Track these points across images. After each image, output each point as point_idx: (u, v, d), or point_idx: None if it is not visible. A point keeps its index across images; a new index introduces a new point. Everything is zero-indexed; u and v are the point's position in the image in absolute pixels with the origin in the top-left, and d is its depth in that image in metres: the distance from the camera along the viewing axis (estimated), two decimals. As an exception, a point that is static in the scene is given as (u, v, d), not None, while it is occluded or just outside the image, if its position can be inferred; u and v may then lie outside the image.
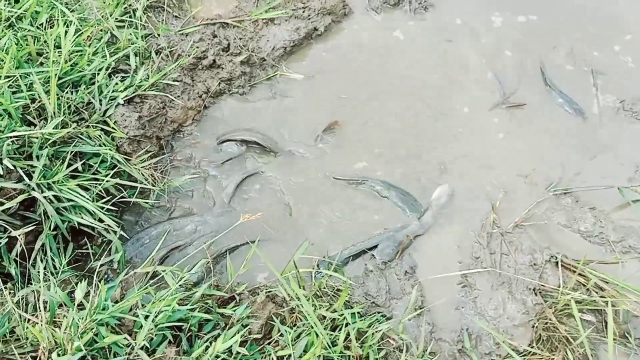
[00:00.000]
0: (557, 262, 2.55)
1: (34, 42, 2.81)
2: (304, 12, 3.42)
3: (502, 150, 3.02)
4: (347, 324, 2.22)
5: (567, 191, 2.85)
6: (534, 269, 2.56)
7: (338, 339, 2.17)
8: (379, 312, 2.44)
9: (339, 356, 2.13)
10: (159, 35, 3.21)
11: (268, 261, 2.26)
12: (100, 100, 2.78)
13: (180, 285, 2.29)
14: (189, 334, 2.19)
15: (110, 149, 2.63)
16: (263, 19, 3.36)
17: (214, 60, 3.14)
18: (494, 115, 3.17)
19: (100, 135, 2.68)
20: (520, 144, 3.05)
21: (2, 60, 2.64)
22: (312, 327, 2.16)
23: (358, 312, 2.32)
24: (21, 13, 2.89)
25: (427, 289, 2.54)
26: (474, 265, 2.60)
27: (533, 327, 2.39)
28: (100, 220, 2.45)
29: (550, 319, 2.36)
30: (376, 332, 2.23)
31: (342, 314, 2.23)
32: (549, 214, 2.78)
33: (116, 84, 2.87)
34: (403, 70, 3.35)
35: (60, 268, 2.32)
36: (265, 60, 3.28)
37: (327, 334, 2.14)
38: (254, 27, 3.34)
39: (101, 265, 2.43)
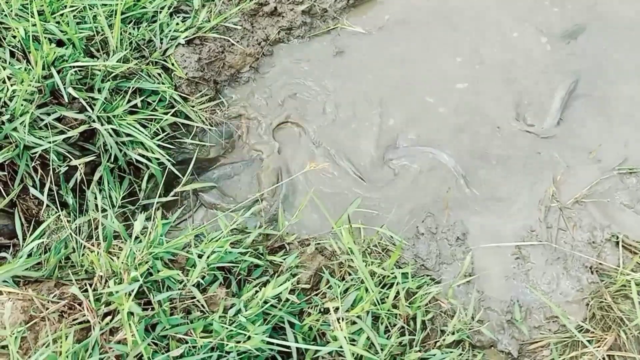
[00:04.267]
0: (617, 242, 2.46)
1: (99, -25, 2.78)
2: (370, -36, 3.30)
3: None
4: (396, 283, 2.18)
5: (633, 171, 2.71)
6: (592, 246, 2.47)
7: (387, 297, 2.15)
8: (427, 275, 2.40)
9: (387, 313, 2.11)
10: (220, -22, 3.14)
11: (325, 211, 2.22)
12: (161, 39, 2.75)
13: (232, 229, 2.29)
14: (238, 278, 2.20)
15: (169, 88, 2.62)
16: (328, -32, 3.25)
17: (276, 8, 3.07)
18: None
19: (160, 74, 2.66)
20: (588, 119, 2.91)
21: (68, -10, 2.63)
22: (363, 282, 2.13)
23: (408, 273, 2.28)
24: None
25: (478, 257, 2.49)
26: (529, 238, 2.52)
27: (587, 305, 2.32)
28: (157, 159, 2.45)
29: (605, 299, 2.28)
30: (426, 294, 2.20)
31: (393, 273, 2.20)
32: (611, 192, 2.66)
33: (177, 24, 2.83)
34: (469, 30, 3.21)
35: (117, 201, 2.33)
36: (327, 12, 3.18)
37: (377, 291, 2.12)
38: (318, -24, 3.24)
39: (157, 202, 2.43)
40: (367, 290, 2.11)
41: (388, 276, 2.21)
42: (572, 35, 3.17)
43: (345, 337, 1.87)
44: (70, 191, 2.34)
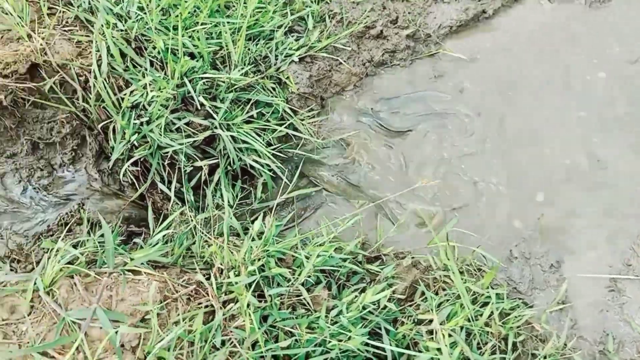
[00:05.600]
0: None
1: (224, -5, 3.05)
2: (475, -7, 3.41)
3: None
4: (492, 303, 2.25)
5: None
6: (692, 287, 2.44)
7: (480, 315, 2.22)
8: (520, 299, 2.45)
9: (479, 330, 2.18)
10: (330, 1, 3.35)
11: (431, 227, 2.34)
12: (276, 56, 2.98)
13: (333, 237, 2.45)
14: (338, 282, 2.35)
15: (281, 101, 2.83)
16: (433, -4, 3.40)
17: (382, 31, 3.23)
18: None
19: (274, 88, 2.89)
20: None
21: (199, 9, 2.91)
22: (458, 298, 2.22)
23: (503, 294, 2.34)
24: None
25: (572, 285, 2.51)
26: (625, 272, 2.51)
27: (684, 344, 2.29)
28: (268, 165, 2.66)
29: None
30: (520, 316, 2.25)
31: (488, 292, 2.27)
32: None
33: (291, 42, 3.05)
34: (567, 64, 3.24)
35: (233, 202, 2.55)
36: (430, 37, 3.31)
37: (473, 308, 2.19)
38: (424, 3, 3.38)
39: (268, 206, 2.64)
40: (461, 306, 2.20)
41: (482, 295, 2.28)
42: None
43: (446, 346, 1.96)
44: (190, 189, 2.59)
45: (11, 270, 1.94)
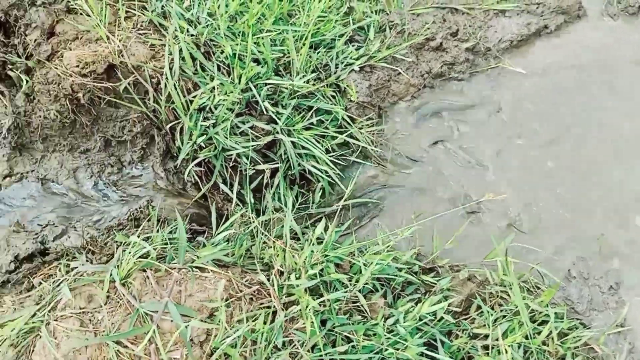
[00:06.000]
0: None
1: (288, 3, 3.11)
2: (537, 8, 3.38)
3: None
4: (548, 322, 2.22)
5: None
6: None
7: (537, 333, 2.20)
8: (577, 319, 2.41)
9: (537, 349, 2.16)
10: (390, 12, 3.38)
11: (494, 241, 2.34)
12: (337, 64, 3.02)
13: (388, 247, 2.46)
14: (393, 291, 2.36)
15: (341, 110, 2.87)
16: (494, 10, 3.38)
17: (441, 43, 3.24)
18: None
19: (334, 96, 2.93)
20: None
21: (264, 16, 2.98)
22: (516, 315, 2.20)
23: (563, 313, 2.32)
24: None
25: (631, 308, 2.45)
26: (688, 298, 2.45)
27: None
28: (326, 172, 2.70)
29: None
30: (579, 337, 2.22)
31: (547, 310, 2.24)
32: None
33: (351, 51, 3.09)
34: (628, 85, 3.18)
35: (293, 207, 2.60)
36: (490, 51, 3.30)
37: (532, 326, 2.17)
38: (484, 16, 3.37)
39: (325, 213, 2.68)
40: (519, 323, 2.18)
41: (540, 313, 2.26)
42: None
43: (507, 362, 1.96)
44: (250, 191, 2.65)
45: (87, 261, 2.03)
